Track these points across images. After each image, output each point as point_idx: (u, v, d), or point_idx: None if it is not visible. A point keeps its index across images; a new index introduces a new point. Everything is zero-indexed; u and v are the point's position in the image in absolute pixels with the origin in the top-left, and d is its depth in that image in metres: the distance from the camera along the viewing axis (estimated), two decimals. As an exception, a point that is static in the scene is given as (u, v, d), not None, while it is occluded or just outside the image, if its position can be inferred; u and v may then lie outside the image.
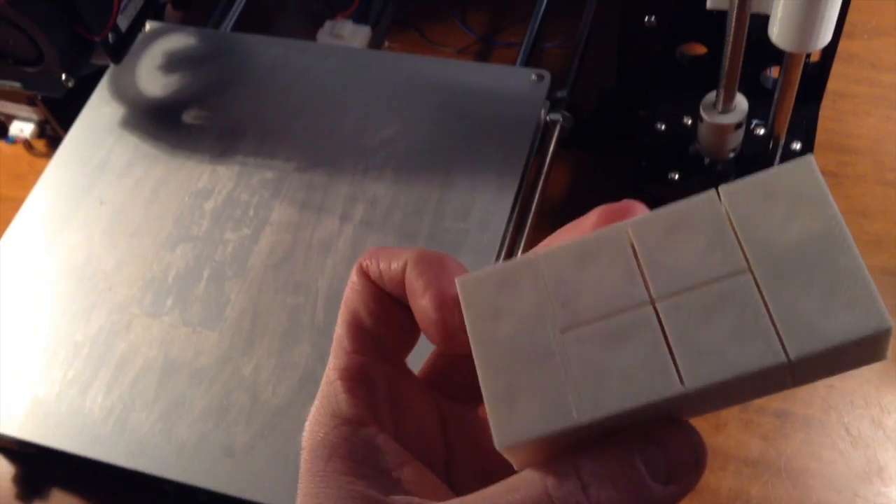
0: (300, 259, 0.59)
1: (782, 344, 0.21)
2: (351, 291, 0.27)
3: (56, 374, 0.57)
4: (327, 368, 0.27)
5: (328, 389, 0.27)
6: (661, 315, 0.22)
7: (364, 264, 0.27)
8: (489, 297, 0.24)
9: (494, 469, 0.29)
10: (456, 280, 0.25)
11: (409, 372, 0.28)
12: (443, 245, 0.59)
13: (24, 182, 0.71)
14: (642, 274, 0.23)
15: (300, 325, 0.57)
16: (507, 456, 0.24)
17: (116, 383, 0.56)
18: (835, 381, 0.58)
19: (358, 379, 0.26)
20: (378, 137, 0.64)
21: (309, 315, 0.57)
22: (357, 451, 0.25)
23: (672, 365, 0.22)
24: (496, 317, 0.24)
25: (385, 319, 0.27)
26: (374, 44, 0.75)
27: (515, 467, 0.25)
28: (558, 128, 0.66)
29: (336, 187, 0.62)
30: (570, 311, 0.23)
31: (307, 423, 0.27)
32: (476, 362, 0.24)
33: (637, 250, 0.23)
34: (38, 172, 0.68)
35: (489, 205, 0.60)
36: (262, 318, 0.57)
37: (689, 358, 0.22)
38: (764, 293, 0.22)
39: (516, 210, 0.61)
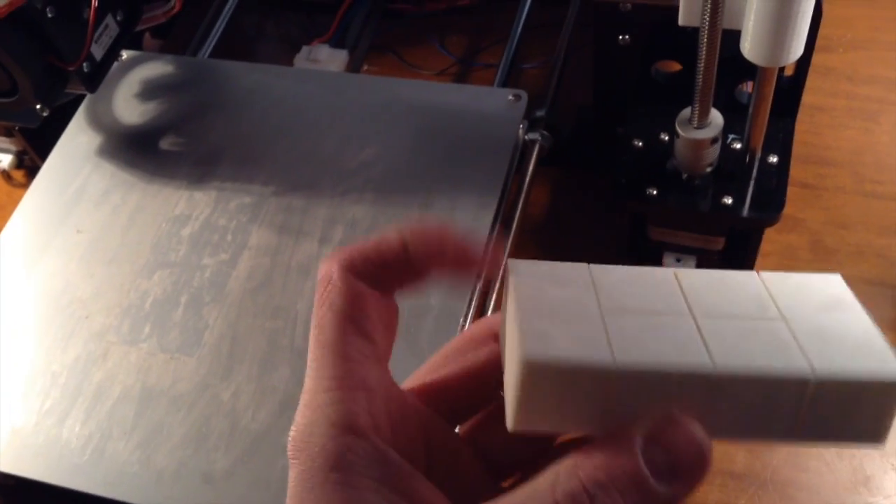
0: (279, 283, 0.59)
1: (810, 363, 0.24)
2: (335, 293, 0.26)
3: (33, 405, 0.56)
4: (316, 376, 0.25)
5: (323, 398, 0.25)
6: (699, 324, 0.25)
7: (346, 262, 0.26)
8: (538, 274, 0.26)
9: (470, 485, 0.28)
10: (508, 261, 0.27)
11: (391, 377, 0.27)
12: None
13: (3, 213, 0.71)
14: (686, 299, 0.26)
15: (279, 349, 0.56)
16: (513, 401, 0.24)
17: (94, 412, 0.55)
18: (819, 392, 0.58)
19: (357, 386, 0.25)
20: (356, 160, 0.64)
21: (288, 339, 0.56)
22: (363, 463, 0.24)
23: (706, 350, 0.24)
24: (544, 284, 0.26)
25: (374, 318, 0.26)
26: (352, 68, 0.76)
27: (510, 426, 0.25)
28: (537, 147, 0.66)
29: (315, 210, 0.62)
30: (617, 302, 0.25)
31: (296, 434, 0.25)
32: (512, 304, 0.25)
33: (682, 286, 0.26)
34: (17, 203, 0.68)
35: (469, 224, 0.60)
36: (240, 342, 0.57)
37: (723, 350, 0.24)
38: (797, 336, 0.25)
39: (496, 229, 0.61)
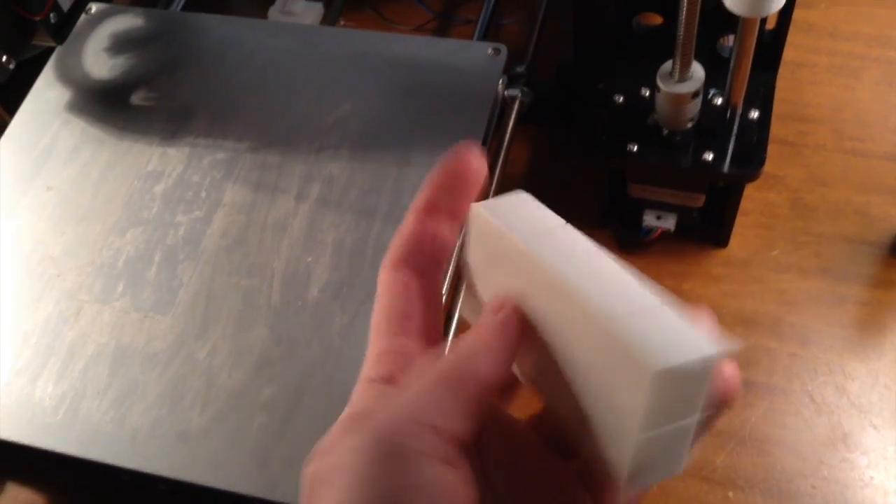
0: (254, 240, 0.58)
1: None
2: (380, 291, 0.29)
3: (5, 364, 0.55)
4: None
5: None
6: None
7: (391, 261, 0.29)
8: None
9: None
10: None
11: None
12: (401, 222, 0.58)
13: (-29, 171, 0.69)
14: None
15: (255, 308, 0.55)
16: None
17: (67, 371, 0.54)
18: (797, 349, 0.58)
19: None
20: (333, 115, 0.63)
21: (265, 297, 0.56)
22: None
23: None
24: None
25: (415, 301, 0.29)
26: (328, 22, 0.74)
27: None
28: (517, 103, 0.65)
29: (290, 167, 0.61)
30: None
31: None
32: None
33: None
34: (-16, 160, 0.66)
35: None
36: (216, 301, 0.56)
37: None
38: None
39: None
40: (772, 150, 0.56)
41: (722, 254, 0.64)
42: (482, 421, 0.27)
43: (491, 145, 0.62)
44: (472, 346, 0.27)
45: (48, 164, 0.64)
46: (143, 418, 0.52)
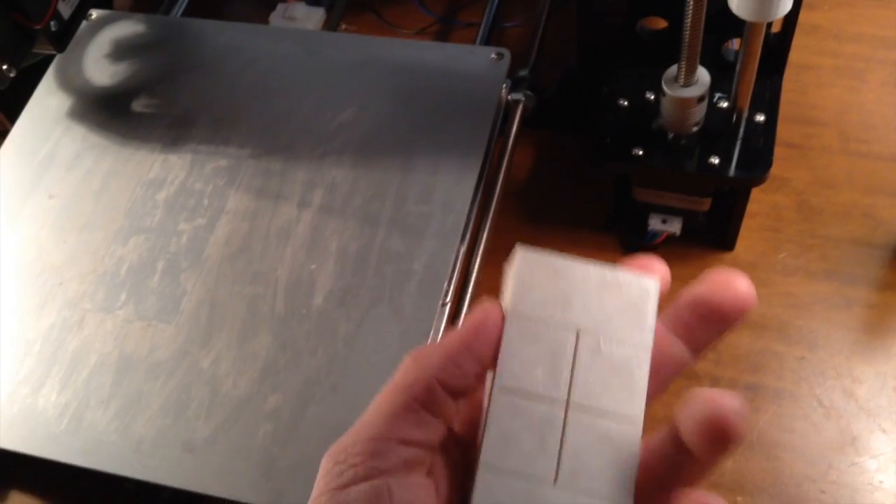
0: (258, 248, 0.58)
1: None
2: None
3: (8, 374, 0.55)
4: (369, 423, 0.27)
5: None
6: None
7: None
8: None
9: None
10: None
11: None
12: (406, 229, 0.57)
13: (-28, 179, 0.69)
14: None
15: (259, 316, 0.55)
16: None
17: (70, 381, 0.54)
18: (805, 352, 0.58)
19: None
20: (335, 121, 0.63)
21: (268, 305, 0.55)
22: None
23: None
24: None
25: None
26: (329, 26, 0.74)
27: None
28: (521, 107, 0.65)
29: (293, 173, 0.61)
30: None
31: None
32: None
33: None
34: (-15, 168, 0.66)
35: (452, 187, 0.59)
36: (219, 309, 0.56)
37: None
38: None
39: (480, 192, 0.60)
40: (778, 152, 0.56)
41: (728, 257, 0.63)
42: (448, 419, 0.27)
43: (494, 150, 0.62)
44: (428, 348, 0.27)
45: (50, 171, 0.64)
46: (148, 428, 0.52)
